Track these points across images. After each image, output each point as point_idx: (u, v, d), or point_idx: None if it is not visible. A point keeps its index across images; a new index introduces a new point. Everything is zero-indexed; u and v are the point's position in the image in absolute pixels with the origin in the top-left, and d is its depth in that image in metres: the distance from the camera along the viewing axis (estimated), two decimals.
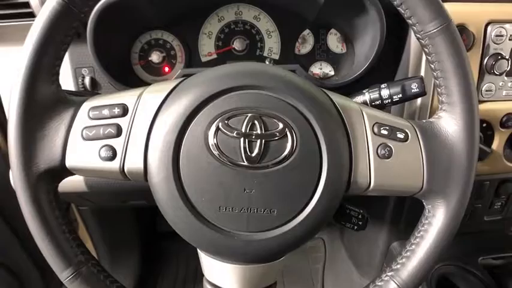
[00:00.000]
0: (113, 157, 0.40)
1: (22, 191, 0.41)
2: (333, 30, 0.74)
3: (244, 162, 0.39)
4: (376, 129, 0.42)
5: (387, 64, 0.70)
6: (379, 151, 0.42)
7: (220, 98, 0.39)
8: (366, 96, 0.55)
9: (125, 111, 0.41)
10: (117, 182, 0.69)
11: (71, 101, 0.42)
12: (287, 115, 0.39)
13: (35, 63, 0.39)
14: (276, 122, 0.39)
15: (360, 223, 0.49)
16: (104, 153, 0.40)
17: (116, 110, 0.41)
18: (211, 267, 0.44)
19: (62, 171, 0.42)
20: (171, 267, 1.27)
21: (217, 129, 0.39)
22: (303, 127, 0.39)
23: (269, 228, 0.40)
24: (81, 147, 0.41)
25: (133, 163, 0.40)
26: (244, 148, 0.39)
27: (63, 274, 0.42)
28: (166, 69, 0.73)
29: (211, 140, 0.39)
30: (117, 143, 0.40)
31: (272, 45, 0.73)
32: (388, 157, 0.42)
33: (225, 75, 0.40)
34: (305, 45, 0.75)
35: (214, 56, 0.73)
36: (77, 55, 0.66)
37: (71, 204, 1.10)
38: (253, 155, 0.39)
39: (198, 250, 0.46)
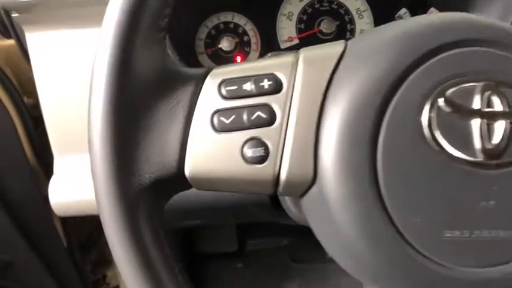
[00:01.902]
0: (264, 157, 0.27)
1: (114, 216, 0.26)
2: (432, 9, 0.62)
3: (479, 157, 0.25)
4: None
5: None
6: None
7: (433, 61, 0.26)
8: None
9: (277, 85, 0.27)
10: (188, 199, 0.55)
11: (187, 72, 0.29)
12: None
13: (135, 12, 0.26)
14: None
15: None
16: (251, 151, 0.26)
17: (266, 83, 0.27)
18: None
19: (176, 183, 0.28)
20: None
21: (435, 107, 0.25)
22: None
23: None
24: (211, 144, 0.27)
25: (297, 167, 0.26)
26: (481, 135, 0.25)
27: None
28: (239, 58, 0.60)
29: (427, 126, 0.25)
30: (270, 135, 0.27)
31: (364, 26, 0.61)
32: None
33: (435, 27, 0.27)
34: None
35: (296, 41, 0.60)
36: None
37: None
38: (493, 145, 0.25)
39: None
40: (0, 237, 0.75)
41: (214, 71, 0.29)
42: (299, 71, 0.27)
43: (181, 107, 0.27)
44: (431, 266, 0.25)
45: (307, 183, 0.26)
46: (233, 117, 0.27)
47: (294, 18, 0.60)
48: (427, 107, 0.25)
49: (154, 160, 0.27)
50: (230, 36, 0.59)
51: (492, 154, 0.25)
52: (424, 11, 0.62)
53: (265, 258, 1.20)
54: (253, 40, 0.60)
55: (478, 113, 0.25)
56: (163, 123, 0.27)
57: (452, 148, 0.25)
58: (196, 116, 0.27)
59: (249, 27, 0.60)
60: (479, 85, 0.25)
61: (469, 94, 0.25)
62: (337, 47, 0.28)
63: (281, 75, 0.27)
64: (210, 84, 0.28)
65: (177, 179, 0.27)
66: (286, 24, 0.60)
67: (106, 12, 0.27)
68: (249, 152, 0.27)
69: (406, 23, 0.28)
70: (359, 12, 0.61)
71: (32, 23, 0.50)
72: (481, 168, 0.25)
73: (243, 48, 0.60)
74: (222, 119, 0.27)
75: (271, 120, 0.27)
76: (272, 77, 0.27)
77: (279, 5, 0.60)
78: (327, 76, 0.27)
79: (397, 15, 0.62)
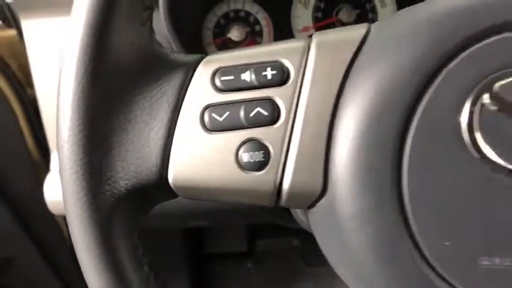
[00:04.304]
0: (263, 163, 0.22)
1: (84, 232, 0.23)
2: None
3: None
4: None
5: None
6: None
7: (477, 46, 0.21)
8: None
9: (283, 75, 0.23)
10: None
11: (176, 58, 0.25)
12: None
13: None
14: None
15: None
16: (248, 155, 0.22)
17: (269, 73, 0.23)
18: None
19: (158, 192, 0.24)
20: None
21: (478, 104, 0.21)
22: None
23: None
24: (201, 146, 0.23)
25: (302, 175, 0.22)
26: None
27: None
28: None
29: (466, 127, 0.21)
30: (271, 136, 0.23)
31: (387, 16, 0.56)
32: None
33: (482, 3, 0.22)
34: None
35: (312, 31, 0.56)
36: None
37: None
38: None
39: None
40: (1, 234, 0.73)
41: (209, 58, 0.24)
42: (311, 58, 0.23)
43: (165, 100, 0.23)
44: None
45: (314, 195, 0.22)
46: (227, 113, 0.23)
47: (311, 6, 0.56)
48: (467, 104, 0.21)
49: (132, 165, 0.23)
50: (240, 26, 0.55)
51: None
52: None
53: (275, 260, 1.16)
54: (265, 30, 0.55)
55: None
56: (143, 120, 0.23)
57: (497, 156, 0.21)
58: (183, 112, 0.23)
59: (261, 16, 0.55)
60: None
61: None
62: (358, 30, 0.24)
63: (288, 63, 0.23)
64: (203, 74, 0.24)
65: (158, 187, 0.23)
66: (302, 13, 0.56)
67: None
68: (245, 156, 0.22)
69: (442, 2, 0.24)
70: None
71: (27, 8, 0.46)
72: None
73: (254, 38, 0.55)
74: (215, 115, 0.23)
75: (273, 118, 0.23)
76: (277, 65, 0.23)
77: None
78: (345, 65, 0.22)
79: None
